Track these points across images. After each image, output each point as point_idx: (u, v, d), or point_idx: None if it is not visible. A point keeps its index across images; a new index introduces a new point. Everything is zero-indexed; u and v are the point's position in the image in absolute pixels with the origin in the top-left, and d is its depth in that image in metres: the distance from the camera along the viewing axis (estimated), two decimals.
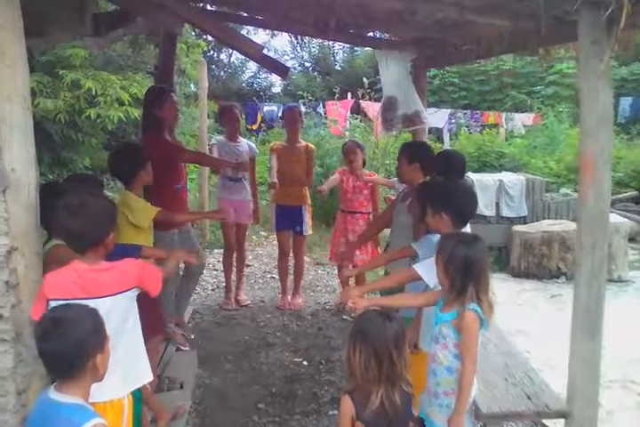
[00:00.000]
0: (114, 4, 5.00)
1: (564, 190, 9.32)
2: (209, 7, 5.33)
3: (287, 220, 6.21)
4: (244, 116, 13.54)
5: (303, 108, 13.30)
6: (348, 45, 19.87)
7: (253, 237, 9.03)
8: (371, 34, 5.46)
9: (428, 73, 6.44)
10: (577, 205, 3.29)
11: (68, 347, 1.97)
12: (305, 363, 5.03)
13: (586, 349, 3.08)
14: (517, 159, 11.20)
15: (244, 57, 18.04)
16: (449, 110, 14.89)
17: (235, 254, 6.43)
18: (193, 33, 10.48)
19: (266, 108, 14.91)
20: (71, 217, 2.50)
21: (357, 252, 5.89)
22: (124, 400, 2.59)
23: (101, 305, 2.33)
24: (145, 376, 2.80)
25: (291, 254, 6.53)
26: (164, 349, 4.68)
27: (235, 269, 6.49)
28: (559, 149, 12.15)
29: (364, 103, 12.97)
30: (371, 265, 4.79)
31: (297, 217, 6.18)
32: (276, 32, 16.53)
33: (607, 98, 2.97)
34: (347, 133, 11.55)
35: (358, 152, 6.01)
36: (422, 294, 3.12)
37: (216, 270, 7.50)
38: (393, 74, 5.22)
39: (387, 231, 5.82)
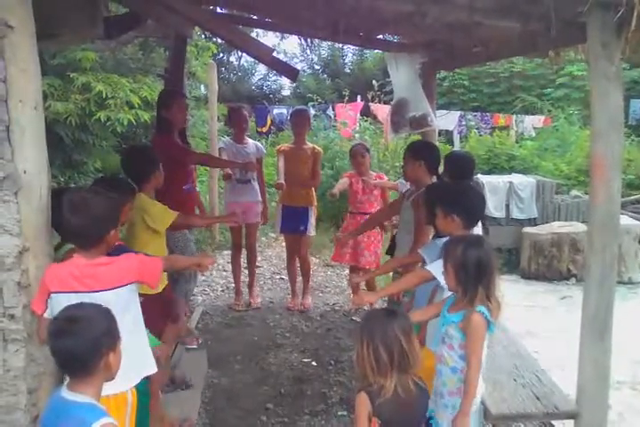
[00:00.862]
0: (125, 7, 5.03)
1: (574, 192, 9.29)
2: (219, 10, 5.36)
3: (293, 221, 6.21)
4: (253, 118, 13.58)
5: (313, 111, 13.32)
6: (358, 48, 19.86)
7: (263, 238, 9.05)
8: (380, 36, 5.47)
9: (437, 75, 6.44)
10: (587, 207, 3.29)
11: (82, 346, 1.98)
12: (314, 364, 5.04)
13: (595, 350, 3.08)
14: (528, 161, 11.15)
15: (253, 59, 18.09)
16: (459, 112, 14.85)
17: (243, 255, 6.45)
18: (203, 36, 10.52)
19: (275, 111, 14.91)
20: (72, 213, 2.52)
21: (367, 253, 5.91)
22: (128, 394, 2.61)
23: (99, 299, 2.35)
24: (148, 368, 2.81)
25: None
26: (174, 348, 4.70)
27: (244, 271, 6.50)
28: (569, 151, 12.10)
29: (373, 106, 12.97)
30: (379, 271, 4.80)
31: (302, 218, 6.18)
32: (285, 35, 16.57)
33: (618, 100, 2.97)
34: (356, 136, 11.55)
35: (366, 155, 6.02)
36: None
37: (225, 271, 7.51)
38: (402, 76, 5.22)
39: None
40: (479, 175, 9.13)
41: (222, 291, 7.00)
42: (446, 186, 3.62)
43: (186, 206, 4.83)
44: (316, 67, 24.63)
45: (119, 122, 8.05)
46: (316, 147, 6.35)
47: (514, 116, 15.03)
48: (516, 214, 8.37)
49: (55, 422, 2.03)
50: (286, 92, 24.10)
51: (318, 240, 7.51)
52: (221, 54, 20.56)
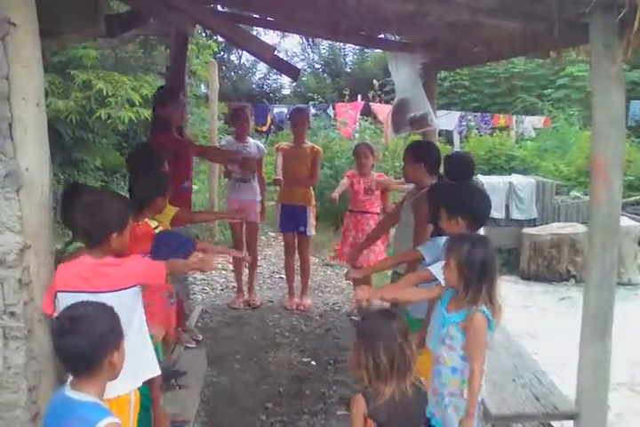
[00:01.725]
0: (126, 5, 5.04)
1: (574, 193, 9.29)
2: (220, 8, 5.36)
3: (291, 220, 6.23)
4: (253, 117, 13.58)
5: (313, 110, 13.34)
6: (359, 47, 19.86)
7: (262, 237, 9.05)
8: (382, 36, 5.47)
9: (438, 75, 6.44)
10: (588, 208, 3.29)
11: (86, 345, 1.98)
12: (313, 363, 5.05)
13: (595, 351, 3.08)
14: (528, 162, 11.16)
15: (254, 58, 18.07)
16: (459, 113, 14.87)
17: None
18: (204, 34, 10.52)
19: (276, 110, 14.92)
20: (79, 212, 2.58)
21: (365, 251, 5.89)
22: (131, 396, 2.61)
23: (105, 300, 2.36)
24: (151, 370, 2.82)
25: (297, 255, 6.54)
26: (173, 348, 4.70)
27: (245, 270, 6.51)
28: (570, 151, 12.09)
29: (374, 105, 12.97)
30: (376, 267, 4.73)
31: (301, 217, 6.20)
32: (286, 33, 16.56)
33: (619, 101, 2.97)
34: (356, 135, 11.55)
35: (369, 155, 6.01)
36: (427, 289, 3.11)
37: (225, 270, 7.52)
38: (403, 76, 5.23)
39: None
40: (479, 176, 9.13)
41: (222, 290, 7.00)
42: (451, 187, 3.58)
43: (184, 204, 4.83)
44: (317, 66, 24.61)
45: (120, 120, 8.07)
46: (316, 146, 6.36)
47: (514, 117, 15.04)
48: (515, 215, 8.36)
49: (59, 421, 2.03)
50: (286, 91, 24.07)
51: (318, 239, 7.51)
52: (222, 53, 20.52)
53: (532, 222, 8.36)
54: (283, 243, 6.75)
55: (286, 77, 17.99)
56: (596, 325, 3.06)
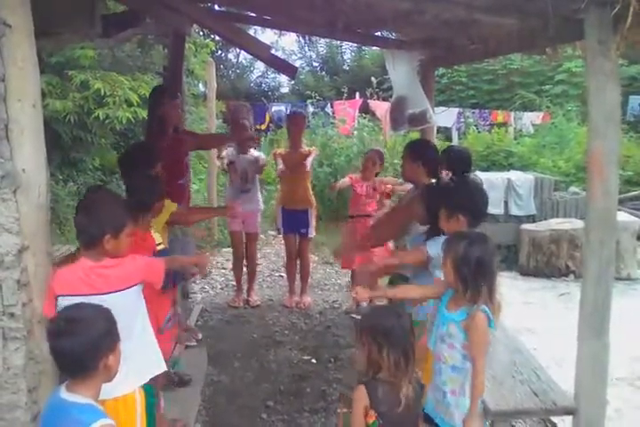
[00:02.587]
0: (123, 5, 5.03)
1: (572, 189, 9.29)
2: (217, 7, 5.35)
3: (293, 223, 6.27)
4: (252, 116, 13.55)
5: (311, 109, 13.34)
6: (356, 45, 19.85)
7: (262, 236, 9.05)
8: (379, 34, 5.48)
9: (436, 72, 6.44)
10: (585, 203, 3.29)
11: (81, 347, 1.99)
12: (313, 361, 5.05)
13: (593, 346, 3.09)
14: (526, 158, 11.17)
15: (252, 57, 18.06)
16: (457, 109, 14.87)
17: (245, 262, 6.49)
18: (201, 33, 10.53)
19: (274, 109, 14.89)
20: (77, 212, 2.63)
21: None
22: (136, 395, 2.62)
23: (109, 301, 2.36)
24: (155, 368, 2.83)
25: None
26: (173, 347, 4.70)
27: (244, 271, 6.52)
28: (568, 147, 12.10)
29: (372, 103, 12.95)
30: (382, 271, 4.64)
31: (302, 220, 6.24)
32: (283, 32, 16.55)
33: (615, 96, 2.98)
34: (355, 133, 11.55)
35: (377, 162, 6.03)
36: (428, 286, 3.13)
37: (224, 269, 7.53)
38: (401, 73, 5.22)
39: None
40: (477, 172, 9.14)
41: (221, 288, 7.01)
42: (451, 186, 3.56)
43: (182, 201, 4.84)
44: (315, 64, 24.64)
45: (118, 120, 8.07)
46: (311, 149, 6.35)
47: (512, 113, 15.04)
48: (514, 211, 8.35)
49: (54, 423, 2.04)
50: (285, 90, 24.10)
51: (317, 238, 7.51)
52: (220, 52, 20.53)
53: (530, 218, 8.36)
54: (282, 241, 6.77)
55: (284, 76, 18.01)
56: (594, 320, 3.07)
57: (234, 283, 6.66)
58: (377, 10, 4.08)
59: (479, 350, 2.68)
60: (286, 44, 28.18)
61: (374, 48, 17.01)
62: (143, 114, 7.98)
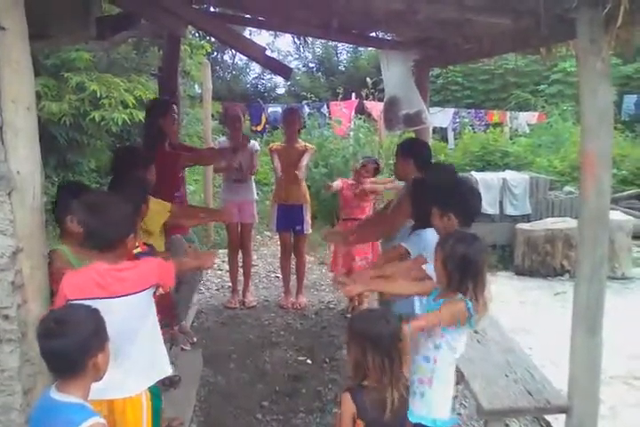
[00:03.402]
0: (118, 8, 5.04)
1: (567, 189, 9.31)
2: (212, 9, 5.36)
3: (288, 219, 6.26)
4: (248, 117, 13.59)
5: (307, 109, 13.34)
6: (352, 46, 19.84)
7: (258, 236, 9.07)
8: (373, 34, 5.49)
9: (431, 72, 6.45)
10: (578, 202, 3.31)
11: (70, 347, 1.99)
12: (309, 362, 5.06)
13: (586, 344, 3.10)
14: (522, 158, 11.18)
15: (247, 58, 18.06)
16: (453, 109, 14.90)
17: (240, 255, 6.48)
18: (196, 35, 10.53)
19: (270, 110, 14.90)
20: (92, 215, 2.54)
21: (357, 257, 5.87)
22: (142, 396, 2.63)
23: (124, 303, 2.37)
24: (163, 371, 2.82)
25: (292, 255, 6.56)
26: (169, 349, 4.70)
27: (240, 270, 6.52)
28: (563, 147, 12.11)
29: (368, 103, 12.96)
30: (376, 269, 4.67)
31: (297, 216, 6.23)
32: (279, 33, 16.55)
33: (607, 96, 2.99)
34: (351, 134, 11.56)
35: (370, 172, 6.04)
36: (418, 282, 3.12)
37: (220, 270, 7.53)
38: (395, 74, 5.23)
39: None
40: (472, 172, 9.17)
41: (217, 290, 7.01)
42: (443, 184, 3.54)
43: None
44: (311, 65, 24.58)
45: (114, 121, 8.07)
46: (309, 145, 6.37)
47: (508, 113, 15.06)
48: (509, 211, 8.37)
49: (44, 423, 2.04)
50: (281, 91, 24.04)
51: (313, 238, 7.52)
52: (215, 53, 20.48)
53: (525, 218, 8.38)
54: (279, 242, 6.77)
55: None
56: (587, 318, 3.08)
57: (229, 284, 6.66)
58: (370, 10, 4.09)
59: (436, 315, 2.66)
60: (282, 45, 28.19)
61: (370, 49, 17.05)
62: (139, 116, 7.99)
